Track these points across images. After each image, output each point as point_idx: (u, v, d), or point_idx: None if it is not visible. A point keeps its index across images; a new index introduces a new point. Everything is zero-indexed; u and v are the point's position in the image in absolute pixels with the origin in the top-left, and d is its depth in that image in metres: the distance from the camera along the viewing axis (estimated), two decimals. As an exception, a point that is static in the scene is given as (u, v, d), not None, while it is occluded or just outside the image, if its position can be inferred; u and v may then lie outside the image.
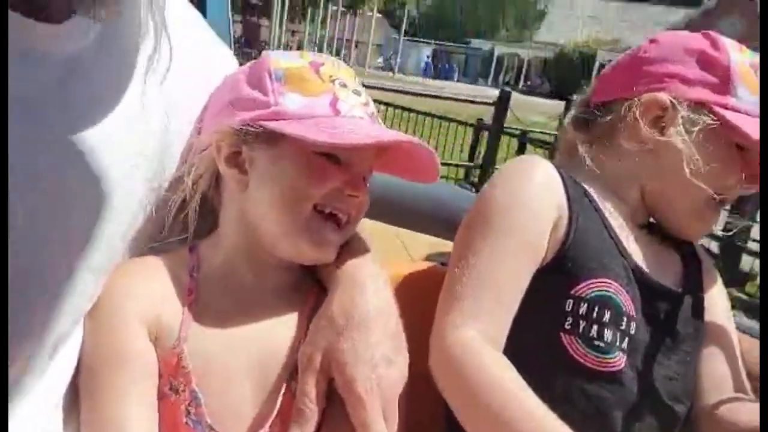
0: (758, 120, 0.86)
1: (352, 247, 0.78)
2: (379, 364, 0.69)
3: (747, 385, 0.91)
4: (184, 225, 0.77)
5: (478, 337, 0.78)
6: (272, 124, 0.70)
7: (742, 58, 0.89)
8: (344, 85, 0.74)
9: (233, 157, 0.73)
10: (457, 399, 0.78)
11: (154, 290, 0.72)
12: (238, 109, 0.72)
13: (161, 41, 0.66)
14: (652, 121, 0.90)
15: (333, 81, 0.73)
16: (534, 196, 0.85)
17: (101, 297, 0.69)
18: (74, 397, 0.68)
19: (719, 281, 0.99)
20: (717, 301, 0.96)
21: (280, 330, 0.74)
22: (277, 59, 0.75)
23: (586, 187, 0.91)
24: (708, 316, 0.94)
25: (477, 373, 0.76)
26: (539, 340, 0.83)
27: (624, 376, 0.82)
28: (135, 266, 0.72)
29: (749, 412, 0.83)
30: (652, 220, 0.97)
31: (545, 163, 0.91)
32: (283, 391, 0.71)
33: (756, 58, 0.90)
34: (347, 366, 0.68)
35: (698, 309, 0.93)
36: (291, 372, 0.72)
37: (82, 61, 0.60)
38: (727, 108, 0.87)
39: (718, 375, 0.90)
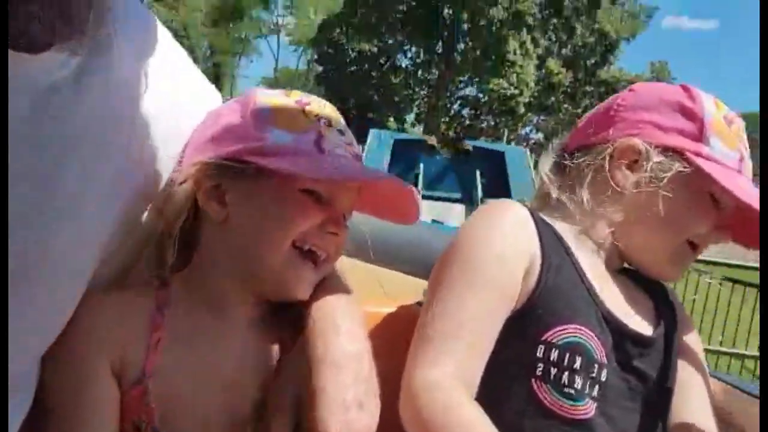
0: (731, 171, 0.89)
1: (329, 286, 0.77)
2: (350, 408, 0.68)
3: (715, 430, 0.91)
4: (156, 259, 0.76)
5: (446, 380, 0.77)
6: (255, 159, 0.70)
7: (716, 111, 0.91)
8: (329, 125, 0.75)
9: (213, 191, 0.73)
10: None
11: (119, 325, 0.71)
12: (221, 143, 0.73)
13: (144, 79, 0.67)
14: (626, 166, 0.91)
15: (318, 120, 0.74)
16: (505, 239, 0.86)
17: (64, 332, 0.68)
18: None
19: (692, 326, 1.00)
20: (690, 346, 0.97)
21: (249, 368, 0.73)
22: (264, 96, 0.76)
23: (560, 231, 0.92)
24: (681, 362, 0.94)
25: (442, 415, 0.75)
26: (511, 385, 0.83)
27: (594, 424, 0.82)
28: (100, 300, 0.71)
29: None
30: (626, 265, 0.98)
31: (518, 206, 0.92)
32: (250, 429, 0.70)
33: (730, 112, 0.93)
34: (317, 408, 0.67)
35: (671, 355, 0.93)
36: (258, 411, 0.71)
37: (59, 93, 0.60)
38: (700, 156, 0.89)
39: (690, 422, 0.90)
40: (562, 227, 0.93)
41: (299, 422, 0.69)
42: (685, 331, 0.98)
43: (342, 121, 0.78)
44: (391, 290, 1.12)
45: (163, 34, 0.75)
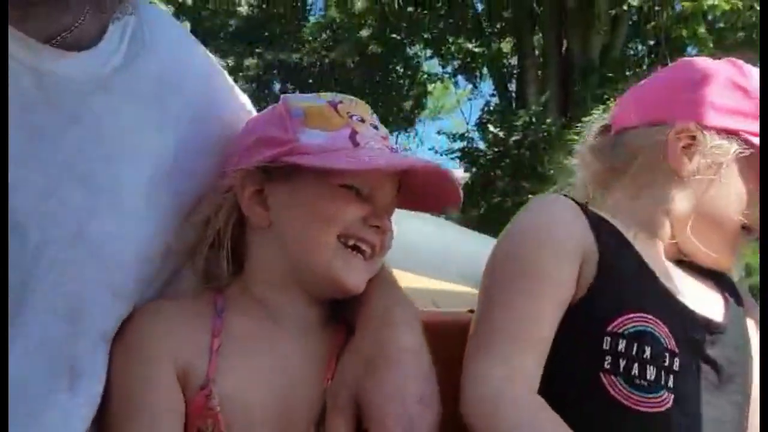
0: None
1: (381, 283, 0.78)
2: (411, 403, 0.67)
3: None
4: (208, 269, 0.78)
5: (510, 378, 0.75)
6: (292, 159, 0.72)
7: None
8: (362, 120, 0.76)
9: (255, 196, 0.75)
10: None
11: (182, 332, 0.72)
12: (259, 149, 0.75)
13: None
14: (682, 150, 0.88)
15: (351, 116, 0.76)
16: (556, 234, 0.84)
17: (131, 336, 0.70)
18: None
19: (756, 310, 0.95)
20: (755, 330, 0.92)
21: (308, 369, 0.74)
22: (296, 100, 0.79)
23: (613, 222, 0.88)
24: (754, 354, 0.89)
25: (512, 412, 0.73)
26: (578, 381, 0.79)
27: (671, 417, 0.77)
28: (163, 307, 0.74)
29: None
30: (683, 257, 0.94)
31: (566, 200, 0.89)
32: (312, 430, 0.70)
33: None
34: (377, 404, 0.67)
35: (744, 344, 0.89)
36: (319, 412, 0.71)
37: (103, 85, 0.66)
38: (753, 134, 0.85)
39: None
40: (615, 217, 0.89)
41: (360, 420, 0.68)
42: (753, 323, 0.93)
43: (374, 116, 0.79)
44: (440, 300, 1.10)
45: (196, 44, 0.81)
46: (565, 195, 0.92)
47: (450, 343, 0.82)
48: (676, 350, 0.79)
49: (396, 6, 11.67)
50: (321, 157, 0.72)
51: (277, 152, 0.73)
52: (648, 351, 0.78)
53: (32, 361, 0.63)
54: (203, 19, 13.25)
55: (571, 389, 0.78)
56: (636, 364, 0.77)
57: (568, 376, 0.79)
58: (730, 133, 0.86)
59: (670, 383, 0.78)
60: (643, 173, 0.91)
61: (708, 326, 0.85)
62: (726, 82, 0.89)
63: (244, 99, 0.89)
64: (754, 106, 0.86)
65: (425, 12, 11.79)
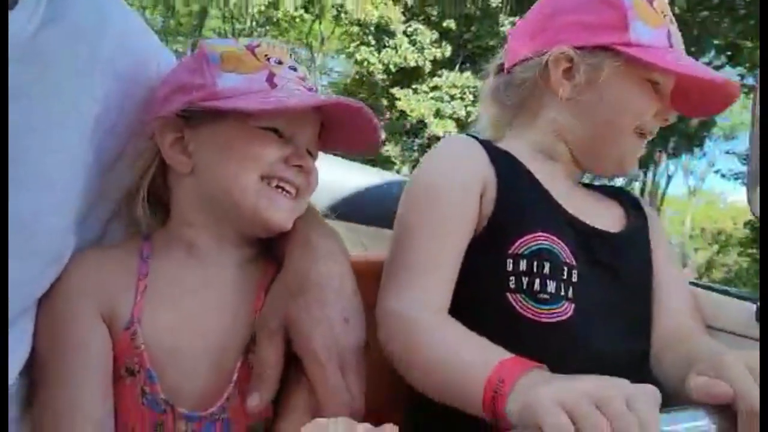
0: (663, 50, 0.89)
1: (307, 219, 0.80)
2: (335, 323, 0.70)
3: (701, 324, 0.93)
4: (130, 220, 0.79)
5: (413, 302, 0.79)
6: (209, 104, 0.73)
7: None
8: (280, 62, 0.77)
9: (177, 143, 0.76)
10: (403, 359, 0.78)
11: (105, 275, 0.74)
12: (177, 96, 0.75)
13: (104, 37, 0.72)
14: (562, 74, 0.92)
15: (268, 59, 0.77)
16: (457, 168, 0.89)
17: (54, 285, 0.71)
18: (28, 389, 0.70)
19: (661, 226, 1.01)
20: (659, 243, 0.98)
21: (238, 304, 0.76)
22: (213, 44, 0.79)
23: (514, 153, 0.93)
24: (656, 256, 0.96)
25: (416, 332, 0.76)
26: (487, 302, 0.84)
27: (573, 324, 0.83)
28: (86, 254, 0.75)
29: (705, 346, 0.84)
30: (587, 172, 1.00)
31: (466, 138, 0.94)
32: (240, 362, 0.73)
33: None
34: (303, 325, 0.70)
35: (643, 251, 0.95)
36: (248, 343, 0.74)
37: (20, 52, 0.65)
38: (630, 45, 0.89)
39: (674, 312, 0.92)
40: (516, 149, 0.94)
41: (288, 345, 0.71)
42: (657, 236, 0.99)
43: (293, 58, 0.80)
44: (372, 246, 1.15)
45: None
46: (468, 134, 0.97)
47: (377, 283, 0.85)
48: (574, 263, 0.85)
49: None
50: (236, 100, 0.73)
51: (194, 97, 0.74)
52: (547, 266, 0.83)
53: None
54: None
55: (481, 310, 0.83)
56: (537, 280, 0.83)
57: (478, 299, 0.84)
58: (603, 48, 0.90)
59: (570, 294, 0.84)
60: (533, 102, 0.96)
61: (605, 237, 0.90)
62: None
63: (167, 53, 0.89)
64: (620, 15, 0.89)
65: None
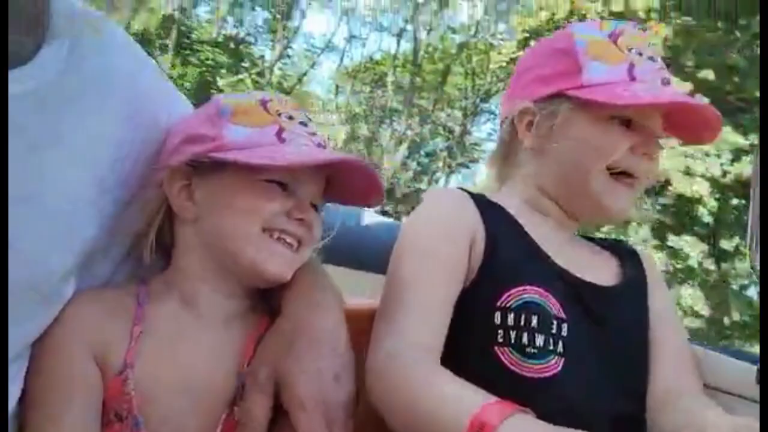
0: (620, 84, 0.88)
1: (306, 270, 0.81)
2: (325, 380, 0.70)
3: (697, 384, 0.89)
4: (136, 260, 0.81)
5: (407, 347, 0.79)
6: (217, 155, 0.75)
7: (598, 33, 0.92)
8: (290, 117, 0.79)
9: (184, 190, 0.78)
10: (387, 405, 0.77)
11: (101, 318, 0.75)
12: (188, 145, 0.78)
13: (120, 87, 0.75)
14: (526, 127, 0.94)
15: (279, 114, 0.79)
16: (445, 220, 0.91)
17: (50, 325, 0.72)
18: (19, 425, 0.71)
19: (664, 287, 0.99)
20: (658, 297, 0.95)
21: (228, 355, 0.76)
22: (227, 98, 0.82)
23: (506, 206, 0.94)
24: (653, 313, 0.93)
25: (403, 378, 0.76)
26: (475, 355, 0.84)
27: (562, 380, 0.82)
28: (83, 296, 0.76)
29: (703, 409, 0.81)
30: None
31: (454, 190, 0.98)
32: (226, 413, 0.73)
33: (622, 25, 0.93)
34: (292, 380, 0.69)
35: (639, 306, 0.93)
36: (235, 396, 0.73)
37: (39, 99, 0.68)
38: (581, 87, 0.89)
39: (670, 374, 0.89)
40: (507, 202, 0.96)
41: (277, 398, 0.71)
42: (656, 290, 0.96)
43: (305, 113, 0.82)
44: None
45: (127, 48, 0.83)
46: (459, 187, 1.00)
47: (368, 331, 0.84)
48: (563, 316, 0.84)
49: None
50: (243, 153, 0.74)
51: (204, 148, 0.76)
52: (535, 320, 0.82)
53: None
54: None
55: (470, 362, 0.83)
56: (525, 334, 0.82)
57: (466, 351, 0.84)
58: (557, 95, 0.91)
59: (560, 348, 0.82)
60: (513, 159, 0.99)
61: (597, 291, 0.89)
62: (547, 51, 0.96)
63: (180, 101, 0.90)
64: (573, 60, 0.91)
65: None
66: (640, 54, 0.90)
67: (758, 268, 0.85)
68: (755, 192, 0.86)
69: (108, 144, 0.76)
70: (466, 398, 0.69)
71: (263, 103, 0.80)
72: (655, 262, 1.02)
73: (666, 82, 0.90)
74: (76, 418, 0.70)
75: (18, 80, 0.67)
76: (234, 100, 0.81)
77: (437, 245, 0.88)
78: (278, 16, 14.91)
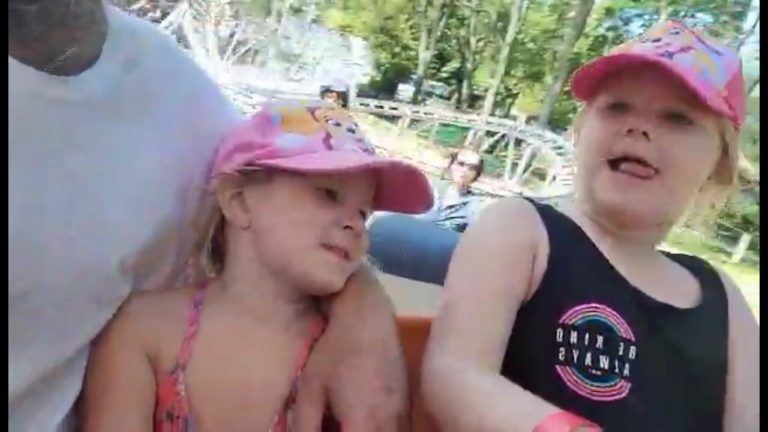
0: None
1: (358, 279, 0.80)
2: (376, 392, 0.69)
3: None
4: (193, 268, 0.82)
5: (459, 368, 0.76)
6: (267, 162, 0.75)
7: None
8: (338, 124, 0.79)
9: (235, 198, 0.79)
10: (446, 417, 0.74)
11: (155, 318, 0.76)
12: (239, 153, 0.78)
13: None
14: None
15: (327, 121, 0.79)
16: (507, 231, 0.87)
17: (107, 325, 0.74)
18: (75, 424, 0.73)
19: (744, 302, 0.92)
20: (739, 322, 0.89)
21: (282, 359, 0.76)
22: (275, 105, 0.82)
23: (572, 216, 0.91)
24: (734, 339, 0.87)
25: (460, 385, 0.74)
26: (536, 374, 0.80)
27: (628, 406, 0.77)
28: (139, 298, 0.77)
29: None
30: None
31: (518, 200, 0.93)
32: (277, 418, 0.73)
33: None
34: (345, 393, 0.69)
35: (717, 332, 0.87)
36: (287, 400, 0.73)
37: (96, 108, 0.69)
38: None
39: (741, 404, 0.83)
40: (575, 213, 0.92)
41: (328, 410, 0.70)
42: (737, 314, 0.89)
43: (352, 120, 0.82)
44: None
45: (184, 59, 0.85)
46: (524, 197, 0.95)
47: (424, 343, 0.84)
48: (632, 338, 0.79)
49: None
50: (294, 160, 0.74)
51: (254, 155, 0.76)
52: (600, 340, 0.78)
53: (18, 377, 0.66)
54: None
55: (529, 381, 0.77)
56: (589, 354, 0.78)
57: (526, 369, 0.80)
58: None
59: (626, 371, 0.78)
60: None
61: (670, 313, 0.84)
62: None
63: (233, 109, 0.92)
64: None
65: None
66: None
67: None
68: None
69: (167, 157, 0.77)
70: (531, 409, 0.66)
71: (311, 111, 0.80)
72: (736, 284, 0.95)
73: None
74: (129, 418, 0.71)
75: (74, 89, 0.68)
76: (282, 108, 0.81)
77: (496, 256, 0.85)
78: None
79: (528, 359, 0.81)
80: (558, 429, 0.59)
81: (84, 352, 0.74)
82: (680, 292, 0.88)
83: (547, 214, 0.89)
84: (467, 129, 24.92)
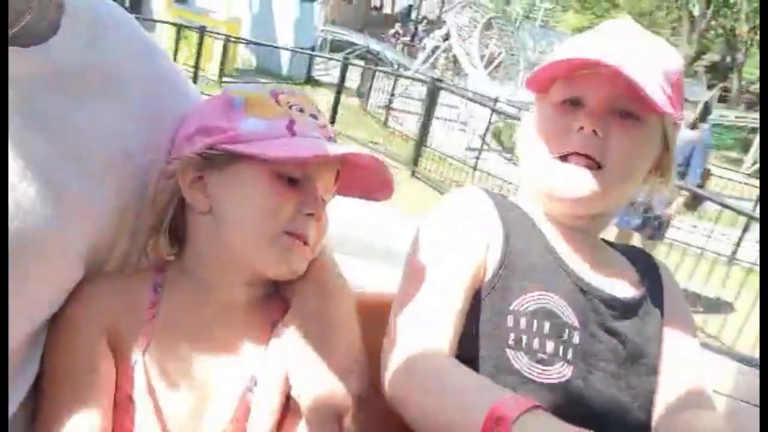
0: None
1: (317, 262, 0.81)
2: (336, 373, 0.71)
3: (710, 399, 0.90)
4: (151, 250, 0.81)
5: (419, 347, 0.79)
6: (229, 147, 0.74)
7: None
8: (301, 110, 0.78)
9: (196, 182, 0.77)
10: (403, 401, 0.77)
11: (114, 302, 0.75)
12: (201, 136, 0.77)
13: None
14: None
15: (290, 107, 0.78)
16: (463, 220, 0.90)
17: (62, 308, 0.73)
18: (35, 407, 0.72)
19: (682, 298, 0.99)
20: (675, 316, 0.95)
21: (241, 343, 0.77)
22: (238, 89, 0.81)
23: (525, 208, 0.95)
24: (668, 326, 0.93)
25: (418, 371, 0.77)
26: (488, 357, 0.84)
27: (571, 387, 0.83)
28: (97, 279, 0.76)
29: (706, 420, 0.82)
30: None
31: (473, 189, 0.96)
32: (239, 400, 0.74)
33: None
34: (304, 374, 0.71)
35: (654, 321, 0.93)
36: (249, 383, 0.74)
37: (54, 82, 0.67)
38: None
39: (679, 386, 0.89)
40: (526, 204, 0.95)
41: (289, 393, 0.72)
42: (673, 304, 0.96)
43: (315, 106, 0.82)
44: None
45: (144, 38, 0.83)
46: (480, 187, 0.98)
47: (378, 323, 0.86)
48: (576, 325, 0.85)
49: None
50: (256, 145, 0.73)
51: (216, 139, 0.75)
52: (547, 326, 0.83)
53: None
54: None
55: (482, 364, 0.84)
56: (536, 339, 0.83)
57: (479, 352, 0.84)
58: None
59: (569, 356, 0.83)
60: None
61: (613, 303, 0.89)
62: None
63: (195, 91, 0.90)
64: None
65: None
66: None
67: None
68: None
69: (123, 137, 0.75)
70: (483, 394, 0.69)
71: (275, 95, 0.79)
72: (672, 275, 1.01)
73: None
74: (88, 403, 0.70)
75: (34, 60, 0.66)
76: (245, 92, 0.80)
77: (450, 246, 0.87)
78: None
79: (481, 343, 0.85)
80: (511, 410, 0.63)
81: (36, 334, 0.72)
82: (622, 281, 0.94)
83: (501, 203, 0.93)
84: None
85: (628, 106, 0.87)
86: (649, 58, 0.87)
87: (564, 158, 0.88)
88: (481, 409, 0.65)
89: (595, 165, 0.87)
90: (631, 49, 0.87)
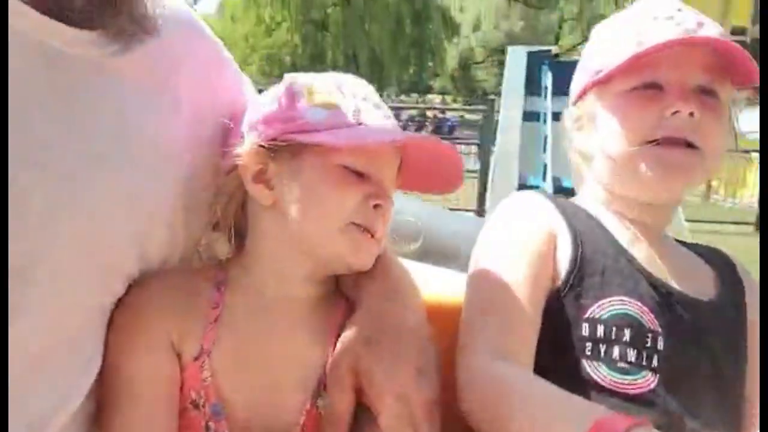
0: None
1: (385, 261, 0.79)
2: (408, 378, 0.68)
3: None
4: (212, 247, 0.80)
5: (500, 359, 0.75)
6: (293, 137, 0.72)
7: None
8: (365, 99, 0.77)
9: (259, 176, 0.75)
10: (487, 418, 0.73)
11: (178, 303, 0.73)
12: (263, 128, 0.75)
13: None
14: None
15: (354, 96, 0.76)
16: (524, 224, 0.86)
17: (125, 308, 0.71)
18: (93, 408, 0.70)
19: (757, 290, 0.91)
20: (755, 313, 0.88)
21: (307, 344, 0.75)
22: (300, 78, 0.78)
23: (590, 210, 0.89)
24: (751, 332, 0.87)
25: (502, 385, 0.73)
26: (564, 369, 0.80)
27: (657, 397, 0.77)
28: (159, 279, 0.74)
29: None
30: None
31: (534, 195, 0.92)
32: (308, 406, 0.72)
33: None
34: (376, 378, 0.68)
35: (737, 322, 0.87)
36: (317, 386, 0.72)
37: (109, 66, 0.67)
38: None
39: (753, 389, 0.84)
40: (591, 205, 0.91)
41: (359, 394, 0.70)
42: (753, 298, 0.89)
43: (376, 95, 0.80)
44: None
45: (201, 29, 0.82)
46: (538, 191, 0.96)
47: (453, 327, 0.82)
48: (659, 330, 0.79)
49: None
50: (322, 135, 0.71)
51: (281, 130, 0.73)
52: (628, 333, 0.78)
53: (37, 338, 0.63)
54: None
55: (558, 377, 0.77)
56: (617, 348, 0.78)
57: (554, 364, 0.79)
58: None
59: (654, 363, 0.78)
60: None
61: (695, 304, 0.83)
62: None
63: (249, 83, 0.89)
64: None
65: None
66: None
67: None
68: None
69: (182, 128, 0.74)
70: (577, 413, 0.65)
71: (338, 85, 0.77)
72: (749, 272, 0.94)
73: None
74: (153, 405, 0.70)
75: (88, 43, 0.65)
76: (309, 81, 0.77)
77: (518, 248, 0.84)
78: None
79: (556, 353, 0.80)
80: (619, 426, 0.59)
81: (103, 321, 0.70)
82: (700, 282, 0.88)
83: (562, 205, 0.88)
84: None
85: (712, 84, 0.83)
86: (716, 26, 0.83)
87: (656, 144, 0.83)
88: (572, 424, 0.62)
89: (692, 147, 0.83)
90: (701, 21, 0.83)
